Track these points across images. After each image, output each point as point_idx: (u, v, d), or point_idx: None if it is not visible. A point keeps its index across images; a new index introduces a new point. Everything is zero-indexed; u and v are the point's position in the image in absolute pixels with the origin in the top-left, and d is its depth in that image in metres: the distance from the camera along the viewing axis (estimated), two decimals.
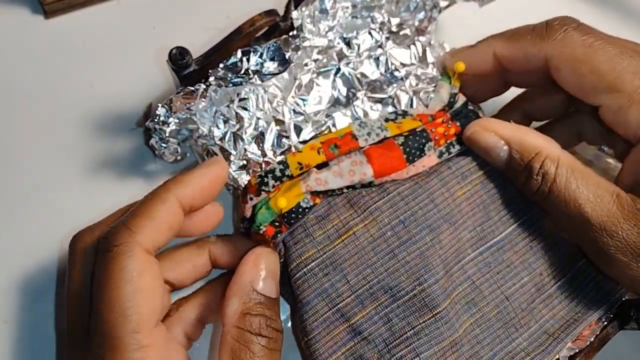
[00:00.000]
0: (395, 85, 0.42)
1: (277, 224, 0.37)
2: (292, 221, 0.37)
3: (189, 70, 0.37)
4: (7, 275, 0.42)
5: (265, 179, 0.38)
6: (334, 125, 0.40)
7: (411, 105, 0.42)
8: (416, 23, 0.43)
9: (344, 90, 0.41)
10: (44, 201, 0.44)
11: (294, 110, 0.40)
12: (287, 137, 0.40)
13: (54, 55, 0.48)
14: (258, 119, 0.40)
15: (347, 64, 0.42)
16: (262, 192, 0.37)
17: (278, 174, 0.38)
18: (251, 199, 0.37)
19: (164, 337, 0.33)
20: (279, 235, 0.37)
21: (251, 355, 0.33)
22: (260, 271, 0.35)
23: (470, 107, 0.41)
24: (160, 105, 0.37)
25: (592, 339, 0.39)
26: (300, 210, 0.37)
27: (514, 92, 0.44)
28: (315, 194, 0.38)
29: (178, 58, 0.36)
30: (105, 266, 0.32)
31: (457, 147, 0.40)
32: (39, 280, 0.42)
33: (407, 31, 0.43)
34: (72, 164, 0.45)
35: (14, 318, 0.41)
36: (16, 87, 0.47)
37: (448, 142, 0.40)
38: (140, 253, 0.32)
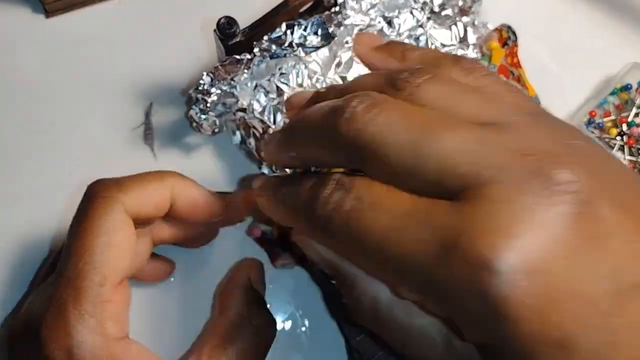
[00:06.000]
0: None
1: None
2: None
3: (235, 40, 0.37)
4: (9, 270, 0.42)
5: None
6: None
7: None
8: (460, 3, 0.43)
9: None
10: (44, 200, 0.44)
11: None
12: None
13: (54, 54, 0.48)
14: None
15: None
16: None
17: None
18: None
19: (126, 297, 0.33)
20: None
21: (242, 340, 0.33)
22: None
23: None
24: (205, 73, 0.38)
25: None
26: None
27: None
28: None
29: (226, 27, 0.36)
30: (86, 212, 0.32)
31: None
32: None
33: (449, 11, 0.43)
34: (73, 163, 0.45)
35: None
36: (17, 86, 0.47)
37: None
38: (121, 212, 0.33)
